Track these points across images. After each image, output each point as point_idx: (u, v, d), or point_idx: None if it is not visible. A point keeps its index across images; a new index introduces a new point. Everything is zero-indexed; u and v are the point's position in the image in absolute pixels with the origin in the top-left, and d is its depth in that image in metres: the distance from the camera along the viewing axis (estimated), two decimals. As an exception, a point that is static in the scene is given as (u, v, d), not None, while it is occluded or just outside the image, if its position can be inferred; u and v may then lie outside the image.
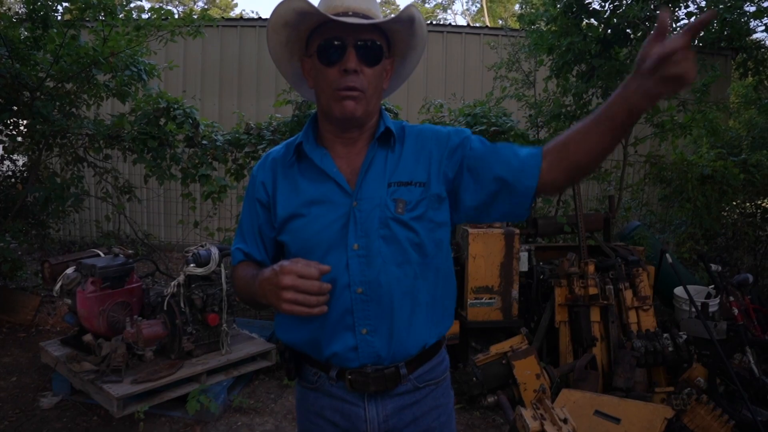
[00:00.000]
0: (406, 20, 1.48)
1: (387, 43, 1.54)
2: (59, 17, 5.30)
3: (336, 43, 1.44)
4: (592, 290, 4.23)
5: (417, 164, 1.55)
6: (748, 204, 6.35)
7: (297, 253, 1.53)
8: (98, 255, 4.40)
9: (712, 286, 4.51)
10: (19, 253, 5.89)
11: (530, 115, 6.48)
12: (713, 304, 4.35)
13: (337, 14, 1.44)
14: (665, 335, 4.06)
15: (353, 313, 1.49)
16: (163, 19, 5.54)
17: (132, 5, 5.58)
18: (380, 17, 1.49)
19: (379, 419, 1.56)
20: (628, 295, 4.30)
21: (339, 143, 1.57)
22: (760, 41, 6.36)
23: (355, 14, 1.46)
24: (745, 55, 6.28)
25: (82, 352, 4.01)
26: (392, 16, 1.45)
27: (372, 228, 1.48)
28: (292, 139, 1.65)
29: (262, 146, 5.18)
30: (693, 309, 4.19)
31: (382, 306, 1.49)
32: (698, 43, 5.89)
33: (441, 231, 1.57)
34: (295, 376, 1.66)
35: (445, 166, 1.55)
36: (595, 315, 4.25)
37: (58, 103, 5.72)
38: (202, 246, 4.21)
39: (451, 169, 1.55)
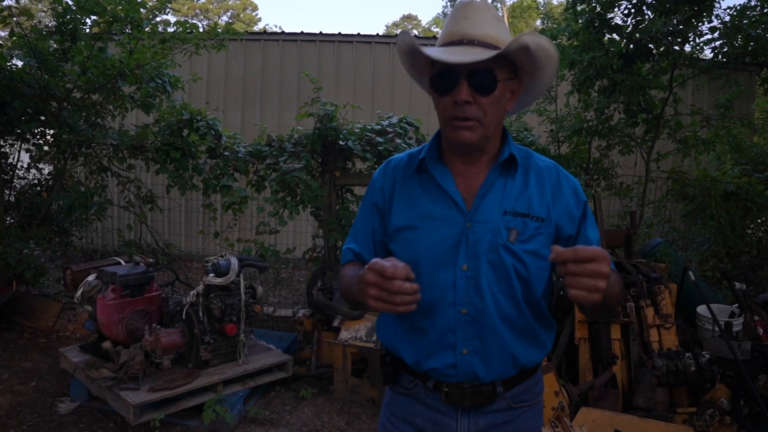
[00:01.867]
0: (516, 50, 1.44)
1: (512, 66, 1.51)
2: (87, 30, 5.41)
3: (447, 73, 1.44)
4: (613, 307, 4.16)
5: (540, 199, 1.54)
6: (773, 222, 6.24)
7: (406, 263, 1.55)
8: (119, 263, 4.44)
9: (736, 305, 4.43)
10: (42, 260, 5.97)
11: (551, 130, 6.46)
12: (737, 324, 4.27)
13: (453, 42, 1.45)
14: (687, 354, 3.98)
15: (455, 332, 1.51)
16: (188, 33, 5.62)
17: (158, 19, 5.68)
18: (502, 38, 1.46)
19: None
20: (650, 312, 4.23)
21: (460, 162, 1.58)
22: (786, 57, 6.27)
23: (470, 42, 1.44)
24: (770, 71, 6.22)
25: (101, 359, 4.04)
26: (501, 47, 1.42)
27: (482, 251, 1.49)
28: (415, 150, 1.67)
29: (283, 158, 5.21)
30: (716, 328, 4.11)
31: (484, 329, 1.50)
32: (722, 58, 5.83)
33: (548, 270, 1.58)
34: (392, 381, 1.68)
35: (566, 223, 1.57)
36: (615, 332, 4.19)
37: (84, 114, 5.83)
38: (221, 256, 4.24)
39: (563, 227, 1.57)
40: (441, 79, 1.46)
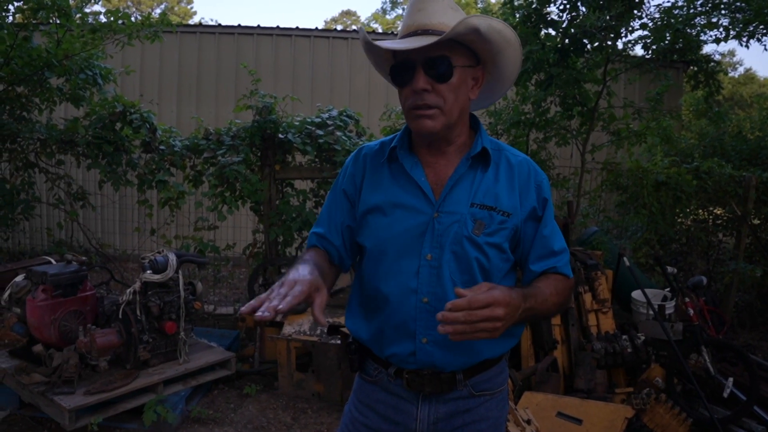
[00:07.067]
0: (465, 32, 1.43)
1: (472, 53, 1.52)
2: (10, 18, 5.13)
3: (404, 64, 1.47)
4: (553, 294, 4.25)
5: (508, 194, 1.54)
6: (701, 211, 6.52)
7: (372, 250, 1.58)
8: (50, 262, 4.24)
9: (668, 289, 4.61)
10: (-35, 262, 5.64)
11: (490, 123, 6.55)
12: (669, 306, 4.44)
13: (408, 34, 1.47)
14: (624, 337, 4.12)
15: (416, 321, 1.51)
16: (119, 23, 5.41)
17: (88, 11, 5.44)
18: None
19: (429, 420, 1.58)
20: (588, 298, 4.35)
21: (428, 153, 1.59)
22: (710, 55, 6.58)
23: (424, 32, 1.45)
24: (695, 68, 6.50)
25: (32, 364, 3.84)
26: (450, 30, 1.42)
27: (446, 242, 1.49)
28: (388, 138, 1.68)
29: (221, 152, 5.08)
30: (650, 311, 4.27)
31: None
32: (651, 55, 6.06)
33: (511, 263, 1.59)
34: (358, 368, 1.69)
35: (530, 221, 1.57)
36: (555, 318, 4.29)
37: (8, 107, 5.54)
38: (159, 252, 4.10)
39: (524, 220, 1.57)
40: (398, 70, 1.49)
